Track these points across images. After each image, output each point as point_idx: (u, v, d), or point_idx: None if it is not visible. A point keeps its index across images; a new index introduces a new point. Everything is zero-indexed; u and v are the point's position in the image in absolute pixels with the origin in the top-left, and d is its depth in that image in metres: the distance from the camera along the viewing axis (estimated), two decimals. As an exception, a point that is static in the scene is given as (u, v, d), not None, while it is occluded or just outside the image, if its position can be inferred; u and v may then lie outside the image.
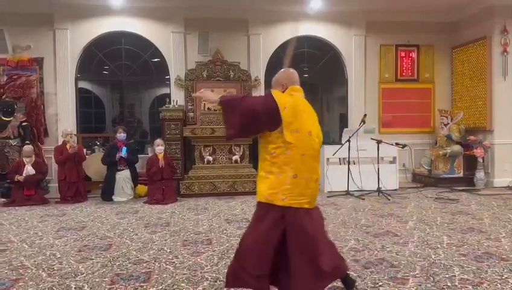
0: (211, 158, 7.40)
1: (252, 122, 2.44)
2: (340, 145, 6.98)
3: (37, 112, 7.47)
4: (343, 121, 9.23)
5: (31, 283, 2.95)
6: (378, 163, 6.96)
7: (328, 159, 7.38)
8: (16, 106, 7.29)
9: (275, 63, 8.54)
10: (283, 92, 2.59)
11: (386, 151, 7.37)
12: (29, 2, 7.45)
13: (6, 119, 7.23)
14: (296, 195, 2.41)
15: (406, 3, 8.02)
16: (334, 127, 10.43)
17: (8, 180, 6.93)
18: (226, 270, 3.10)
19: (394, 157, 7.64)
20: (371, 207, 5.82)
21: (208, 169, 7.32)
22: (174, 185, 7.04)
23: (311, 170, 2.48)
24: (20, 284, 2.93)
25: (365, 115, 7.12)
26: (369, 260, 3.37)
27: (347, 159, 7.03)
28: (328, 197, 6.74)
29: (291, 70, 2.74)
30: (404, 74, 8.88)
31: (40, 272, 3.18)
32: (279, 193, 2.40)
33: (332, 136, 9.79)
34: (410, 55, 8.86)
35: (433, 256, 3.46)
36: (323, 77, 9.11)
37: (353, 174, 7.02)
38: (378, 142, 6.92)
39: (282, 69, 2.78)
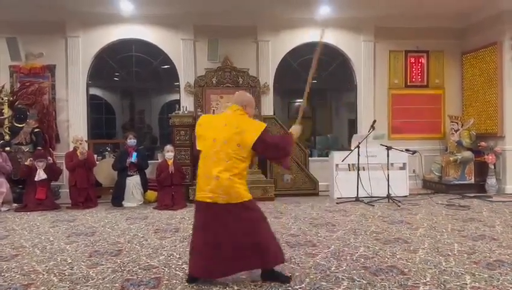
0: (220, 164, 7.41)
1: None
2: (350, 151, 6.96)
3: (49, 118, 7.56)
4: (352, 127, 9.20)
5: (42, 288, 2.98)
6: (388, 169, 6.90)
7: (337, 165, 7.36)
8: (28, 113, 7.39)
9: (283, 70, 8.59)
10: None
11: (396, 158, 7.31)
12: (41, 11, 7.57)
13: (19, 125, 7.34)
14: (199, 190, 3.04)
15: (415, 9, 8.01)
16: (343, 133, 10.40)
17: (21, 186, 7.04)
18: (235, 276, 3.12)
19: (404, 164, 7.58)
20: (380, 214, 5.78)
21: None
22: (183, 190, 7.07)
23: (211, 170, 2.94)
24: (31, 289, 2.96)
25: (374, 121, 7.09)
26: (379, 267, 3.34)
27: (356, 165, 7.01)
28: (337, 203, 6.72)
29: (239, 93, 3.34)
30: (413, 79, 8.84)
31: (52, 277, 3.21)
32: (196, 189, 3.10)
33: (341, 142, 9.77)
34: (420, 60, 8.83)
35: (444, 263, 3.43)
36: (332, 83, 9.10)
37: (362, 180, 6.98)
38: (388, 148, 6.88)
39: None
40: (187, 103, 8.11)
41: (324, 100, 10.98)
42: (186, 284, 3.01)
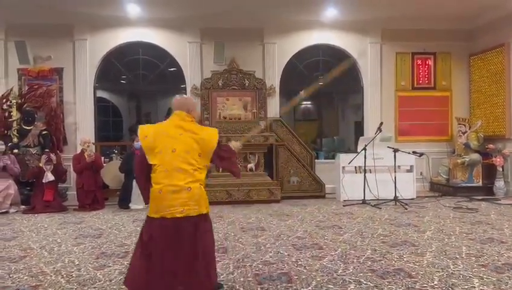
0: (226, 166, 7.41)
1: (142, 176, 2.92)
2: (356, 154, 6.94)
3: (57, 120, 7.63)
4: (359, 129, 9.17)
5: (50, 289, 3.00)
6: (395, 172, 6.87)
7: (343, 167, 7.33)
8: (36, 115, 7.47)
9: (290, 72, 8.60)
10: None
11: (403, 160, 7.26)
12: (50, 14, 7.64)
13: (27, 128, 7.41)
14: (164, 207, 2.65)
15: (422, 11, 7.98)
16: (350, 135, 10.38)
17: (28, 188, 7.09)
18: (242, 279, 3.12)
19: (411, 166, 7.53)
20: (387, 216, 5.75)
21: (222, 177, 7.34)
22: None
23: (178, 182, 2.67)
24: (39, 290, 2.99)
25: (381, 123, 7.07)
26: (386, 270, 3.32)
27: (363, 168, 6.98)
28: (343, 206, 6.69)
29: (177, 97, 3.18)
30: (420, 81, 8.80)
31: (59, 278, 3.23)
32: (152, 206, 2.73)
33: (347, 145, 9.74)
34: (427, 62, 8.79)
35: (451, 267, 3.40)
36: (338, 85, 9.09)
37: (369, 183, 6.95)
38: (395, 150, 6.85)
39: (177, 96, 3.29)
40: (193, 105, 8.11)
41: (330, 102, 10.96)
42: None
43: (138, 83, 8.59)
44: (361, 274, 3.22)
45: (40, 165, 6.75)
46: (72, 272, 3.39)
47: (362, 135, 8.43)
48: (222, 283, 3.05)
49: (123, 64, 8.40)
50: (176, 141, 2.75)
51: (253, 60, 8.36)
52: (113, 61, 8.33)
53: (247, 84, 8.20)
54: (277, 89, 8.37)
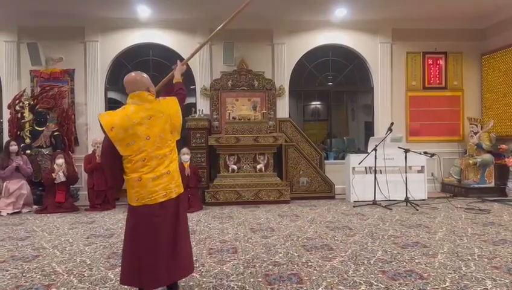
0: (235, 167, 7.44)
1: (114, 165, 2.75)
2: (366, 154, 6.90)
3: (68, 121, 7.71)
4: (369, 130, 9.12)
5: (62, 288, 3.03)
6: (406, 172, 6.82)
7: (353, 168, 7.30)
8: (48, 116, 7.57)
9: (299, 72, 8.59)
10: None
11: (414, 160, 7.20)
12: (61, 17, 7.74)
13: (39, 129, 7.51)
14: (146, 194, 2.63)
15: (432, 11, 7.91)
16: (360, 135, 10.33)
17: (41, 188, 7.18)
18: (252, 279, 3.12)
19: (422, 167, 7.46)
20: (398, 217, 5.70)
21: (232, 178, 7.36)
22: (199, 193, 7.11)
23: (157, 168, 2.66)
24: (52, 289, 3.01)
25: (392, 124, 7.02)
26: (397, 272, 3.30)
27: (373, 168, 6.93)
28: (354, 207, 6.65)
29: (130, 75, 2.78)
30: (432, 81, 8.72)
31: (71, 278, 3.26)
32: (132, 195, 2.67)
33: (357, 145, 9.69)
34: (438, 62, 8.71)
35: (463, 268, 3.36)
36: (348, 85, 9.06)
37: (380, 183, 6.91)
38: (406, 151, 6.79)
39: (130, 73, 2.81)
40: (203, 106, 8.16)
41: (340, 102, 10.92)
42: (203, 286, 3.02)
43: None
44: (372, 275, 3.20)
45: (54, 166, 6.83)
46: (84, 271, 3.43)
47: (372, 135, 8.38)
48: (232, 283, 3.06)
49: (134, 65, 8.45)
50: (147, 127, 2.64)
51: (263, 60, 8.37)
52: (124, 62, 8.40)
53: (256, 84, 8.21)
54: (286, 90, 8.36)
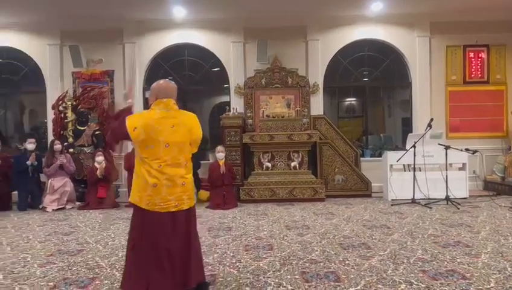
0: (269, 164, 7.45)
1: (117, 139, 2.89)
2: (405, 151, 6.73)
3: (108, 121, 7.97)
4: (407, 126, 8.90)
5: (106, 281, 3.14)
6: (446, 170, 6.60)
7: (391, 165, 7.13)
8: (89, 116, 7.87)
9: (334, 68, 8.48)
10: (153, 101, 2.79)
11: (455, 158, 6.96)
12: (101, 20, 8.00)
13: (81, 128, 7.82)
14: (159, 201, 2.61)
15: (473, 2, 7.59)
16: (397, 132, 10.07)
17: (83, 185, 7.47)
18: (288, 276, 3.13)
19: (464, 164, 7.19)
20: (439, 216, 5.53)
21: (266, 175, 7.38)
22: (234, 190, 7.18)
23: (172, 177, 2.65)
24: (96, 282, 3.13)
25: (432, 120, 6.80)
26: (438, 271, 3.20)
27: (412, 166, 6.75)
28: (392, 205, 6.51)
29: (165, 82, 2.86)
30: (473, 75, 8.39)
31: (114, 272, 3.38)
32: (144, 197, 2.63)
33: (394, 142, 9.46)
34: (480, 55, 8.37)
35: (509, 269, 3.22)
36: (384, 80, 8.86)
37: (419, 181, 6.72)
38: (446, 147, 6.58)
39: (161, 80, 2.89)
40: (237, 104, 8.23)
41: (376, 98, 10.68)
42: (241, 282, 3.05)
43: (184, 84, 8.80)
44: (412, 275, 3.13)
45: (95, 164, 7.09)
46: (126, 265, 3.54)
47: (410, 131, 8.18)
48: (269, 280, 3.08)
49: (170, 65, 8.64)
50: (168, 135, 2.66)
51: (296, 57, 8.33)
52: (160, 63, 8.59)
53: (290, 82, 8.19)
54: (321, 86, 8.29)
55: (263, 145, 7.40)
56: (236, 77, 8.33)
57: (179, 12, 7.89)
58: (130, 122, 2.64)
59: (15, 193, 7.12)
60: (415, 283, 2.96)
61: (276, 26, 8.15)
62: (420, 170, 6.87)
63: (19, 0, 7.13)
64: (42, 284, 3.07)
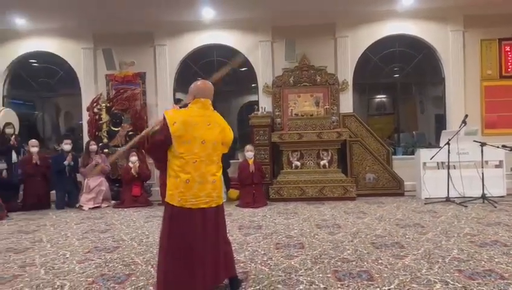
0: (298, 163, 7.44)
1: (160, 148, 2.79)
2: (439, 149, 6.56)
3: (141, 122, 8.18)
4: (440, 123, 8.67)
5: (141, 278, 3.23)
6: (482, 167, 6.40)
7: (424, 163, 6.98)
8: (123, 117, 8.10)
9: (363, 65, 8.37)
10: (191, 100, 2.85)
11: (491, 155, 6.73)
12: (132, 23, 8.21)
13: (115, 129, 8.06)
14: (190, 197, 2.68)
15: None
16: (430, 129, 9.82)
17: (117, 184, 7.70)
18: (320, 275, 3.12)
19: (500, 161, 6.95)
20: (475, 215, 5.37)
21: (296, 174, 7.36)
22: (264, 189, 7.21)
23: (205, 174, 2.74)
24: (132, 278, 3.22)
25: (466, 116, 6.61)
26: (475, 271, 3.11)
27: (446, 164, 6.58)
28: (425, 204, 6.36)
29: (203, 82, 2.92)
30: (509, 69, 8.10)
31: (149, 268, 3.47)
32: (175, 195, 2.69)
33: (427, 139, 9.24)
34: (516, 48, 8.04)
35: (552, 270, 3.10)
36: (416, 76, 8.66)
37: (453, 179, 6.54)
38: (482, 144, 6.37)
39: (199, 81, 2.94)
40: (265, 103, 8.26)
41: (408, 95, 10.45)
42: (273, 279, 3.07)
43: (213, 84, 8.89)
44: (447, 274, 3.06)
45: (129, 164, 7.29)
46: (160, 262, 3.63)
47: (444, 128, 7.97)
48: (301, 278, 3.08)
49: (199, 66, 8.76)
50: (204, 133, 2.75)
51: (325, 55, 8.27)
52: (190, 64, 8.73)
53: (318, 80, 8.14)
54: (350, 84, 8.20)
55: (292, 143, 7.40)
56: (264, 76, 8.36)
57: (208, 13, 7.99)
58: (169, 117, 2.72)
59: (53, 192, 7.41)
60: (451, 282, 2.89)
61: (304, 24, 8.12)
62: (455, 168, 6.68)
63: (55, 6, 7.41)
64: (81, 279, 3.19)
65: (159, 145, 2.79)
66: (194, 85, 2.91)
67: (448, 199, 6.40)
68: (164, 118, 2.74)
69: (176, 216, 2.70)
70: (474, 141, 6.52)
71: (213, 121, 2.83)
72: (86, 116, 8.38)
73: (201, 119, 2.77)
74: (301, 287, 2.89)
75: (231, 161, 7.92)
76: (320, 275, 3.13)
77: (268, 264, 3.46)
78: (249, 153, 7.05)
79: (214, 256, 2.75)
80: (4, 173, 6.93)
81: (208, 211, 2.75)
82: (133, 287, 2.99)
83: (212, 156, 2.80)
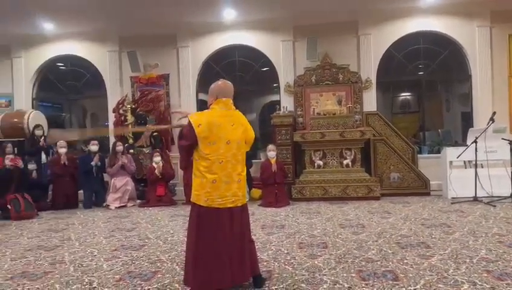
0: (321, 162, 7.40)
1: (189, 151, 2.85)
2: (465, 147, 6.41)
3: (165, 123, 8.31)
4: (466, 121, 8.46)
5: (167, 275, 3.29)
6: (511, 166, 6.21)
7: (451, 162, 6.83)
8: (147, 118, 8.24)
9: (387, 63, 8.26)
10: (212, 101, 2.89)
11: (521, 153, 6.53)
12: (156, 26, 8.33)
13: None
14: (217, 197, 2.73)
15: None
16: (456, 127, 9.60)
17: (142, 184, 7.84)
18: (344, 274, 3.11)
19: (531, 160, 6.73)
20: (503, 215, 5.22)
21: (318, 173, 7.33)
22: (286, 189, 7.20)
23: (231, 173, 2.79)
24: (158, 276, 3.28)
25: (494, 113, 6.43)
26: (504, 271, 3.04)
27: (474, 162, 6.42)
28: (452, 203, 6.23)
29: (223, 82, 2.96)
30: (539, 65, 7.81)
31: (174, 266, 3.54)
32: (202, 195, 2.75)
33: (453, 137, 9.03)
34: (547, 43, 7.76)
35: None
36: (442, 73, 8.48)
37: (481, 178, 6.38)
38: (511, 142, 6.18)
39: (219, 81, 2.98)
40: (287, 102, 8.25)
41: (433, 92, 10.23)
42: (296, 278, 3.08)
43: (235, 84, 8.94)
44: (475, 275, 3.00)
45: (153, 164, 7.42)
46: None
47: (470, 126, 7.77)
48: (325, 277, 3.08)
49: (221, 67, 8.83)
50: (229, 133, 2.79)
51: (347, 53, 8.20)
52: (212, 65, 8.81)
53: (341, 78, 8.08)
54: (373, 82, 8.10)
55: (314, 143, 7.36)
56: (286, 76, 8.35)
57: (229, 14, 8.05)
58: (194, 119, 2.77)
59: (81, 191, 7.62)
60: (479, 283, 2.83)
61: (325, 23, 8.07)
62: (482, 167, 6.51)
63: (81, 11, 7.61)
64: (109, 277, 3.27)
65: (186, 150, 2.85)
66: (214, 85, 2.95)
67: (475, 199, 6.25)
68: (189, 122, 2.78)
69: (204, 216, 2.75)
70: (503, 139, 6.34)
71: (236, 121, 2.87)
72: (111, 118, 8.57)
73: (225, 120, 2.81)
74: (325, 287, 2.89)
75: (253, 161, 7.95)
76: (344, 274, 3.12)
77: (292, 263, 3.47)
78: (271, 152, 7.06)
79: (240, 254, 2.80)
80: (34, 174, 7.16)
81: (234, 210, 2.81)
82: (159, 284, 3.06)
83: (237, 155, 2.84)
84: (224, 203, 2.76)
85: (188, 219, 2.94)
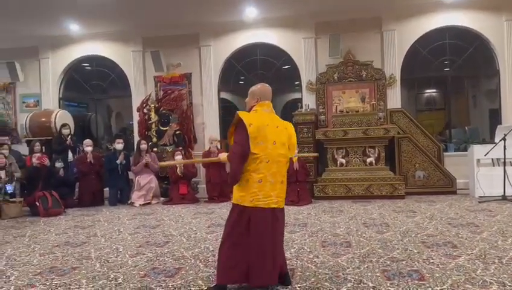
0: (344, 161, 7.33)
1: (243, 158, 2.80)
2: (493, 145, 6.23)
3: (188, 121, 8.42)
4: (494, 118, 8.21)
5: (191, 271, 3.33)
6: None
7: (478, 160, 6.66)
8: (170, 117, 8.35)
9: (412, 59, 8.10)
10: (254, 103, 2.95)
11: (553, 150, 6.30)
12: (178, 26, 8.41)
13: (163, 128, 8.33)
14: (262, 197, 2.76)
15: None
16: (484, 124, 9.32)
17: (166, 182, 7.95)
18: (369, 274, 3.07)
19: (563, 157, 6.48)
20: (535, 214, 5.06)
21: (341, 172, 7.26)
22: (308, 187, 7.17)
23: (276, 174, 2.82)
24: (182, 272, 3.32)
25: (524, 109, 6.23)
26: (536, 274, 2.94)
27: (502, 160, 6.23)
28: (479, 202, 6.07)
29: (263, 85, 3.04)
30: None
31: (198, 262, 3.57)
32: (247, 196, 2.77)
33: (481, 135, 8.78)
34: None
35: None
36: (469, 69, 8.26)
37: (510, 177, 6.19)
38: (542, 139, 5.98)
39: (259, 84, 3.06)
40: (309, 100, 8.19)
41: (460, 89, 9.98)
42: (319, 277, 3.06)
43: (257, 83, 8.94)
44: (505, 275, 2.91)
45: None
46: (208, 257, 3.72)
47: (499, 123, 7.53)
48: (349, 276, 3.05)
49: (242, 66, 8.85)
50: (275, 134, 2.85)
51: (371, 50, 8.08)
52: (233, 63, 8.84)
53: (364, 75, 7.97)
54: (398, 78, 7.95)
55: (337, 141, 7.29)
56: (307, 73, 8.30)
57: (251, 12, 8.05)
58: (246, 118, 2.80)
59: (106, 189, 7.78)
60: (509, 284, 2.75)
61: (348, 19, 7.98)
62: (511, 165, 6.31)
63: (106, 12, 7.76)
64: (134, 272, 3.33)
65: (240, 156, 2.78)
66: (255, 88, 3.02)
67: (504, 197, 6.07)
68: (240, 122, 2.80)
69: (247, 215, 2.78)
70: (534, 136, 6.13)
71: (280, 123, 2.95)
72: (136, 117, 8.71)
73: (271, 121, 2.89)
74: (349, 286, 2.86)
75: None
76: (369, 273, 3.09)
77: (315, 262, 3.45)
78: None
79: (279, 253, 2.88)
80: (61, 172, 7.36)
81: (277, 210, 2.86)
82: (182, 280, 3.09)
83: (281, 157, 2.88)
84: (268, 204, 2.80)
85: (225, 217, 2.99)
